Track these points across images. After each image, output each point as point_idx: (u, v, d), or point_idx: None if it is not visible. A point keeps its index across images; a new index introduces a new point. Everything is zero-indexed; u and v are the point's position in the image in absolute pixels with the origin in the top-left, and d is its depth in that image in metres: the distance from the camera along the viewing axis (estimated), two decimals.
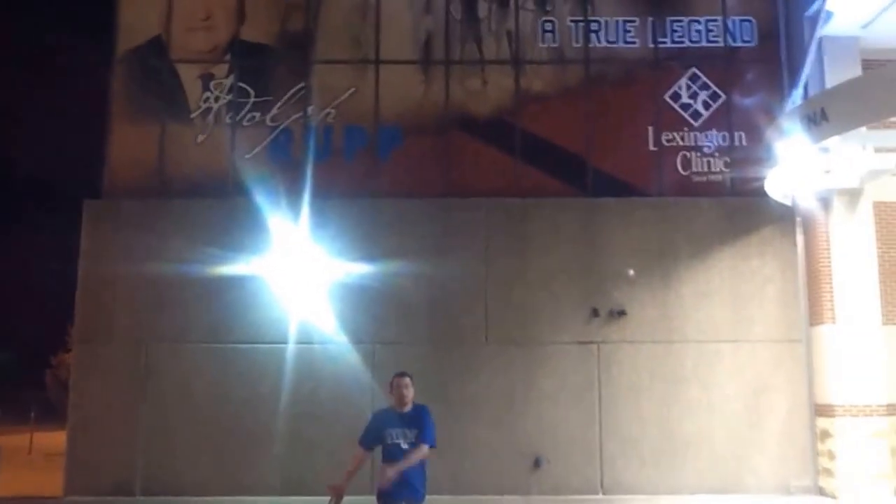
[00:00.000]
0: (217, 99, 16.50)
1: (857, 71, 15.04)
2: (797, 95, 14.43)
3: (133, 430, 15.24)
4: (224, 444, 15.16)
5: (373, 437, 7.92)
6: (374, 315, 15.40)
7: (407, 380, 8.00)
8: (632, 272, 15.41)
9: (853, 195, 14.83)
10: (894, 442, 14.38)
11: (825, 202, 15.01)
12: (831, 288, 14.77)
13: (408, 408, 7.92)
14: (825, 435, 14.66)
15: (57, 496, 15.14)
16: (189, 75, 16.62)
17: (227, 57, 16.78)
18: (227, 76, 16.63)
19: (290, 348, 15.35)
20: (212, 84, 16.57)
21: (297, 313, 15.47)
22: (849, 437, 14.26)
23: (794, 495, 14.64)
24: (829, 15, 14.62)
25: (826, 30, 14.89)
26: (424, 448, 7.76)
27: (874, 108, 12.40)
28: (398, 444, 7.76)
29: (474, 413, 15.00)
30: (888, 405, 14.40)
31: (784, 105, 14.97)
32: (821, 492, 14.71)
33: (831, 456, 14.44)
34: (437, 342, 15.27)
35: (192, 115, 16.49)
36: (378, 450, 7.94)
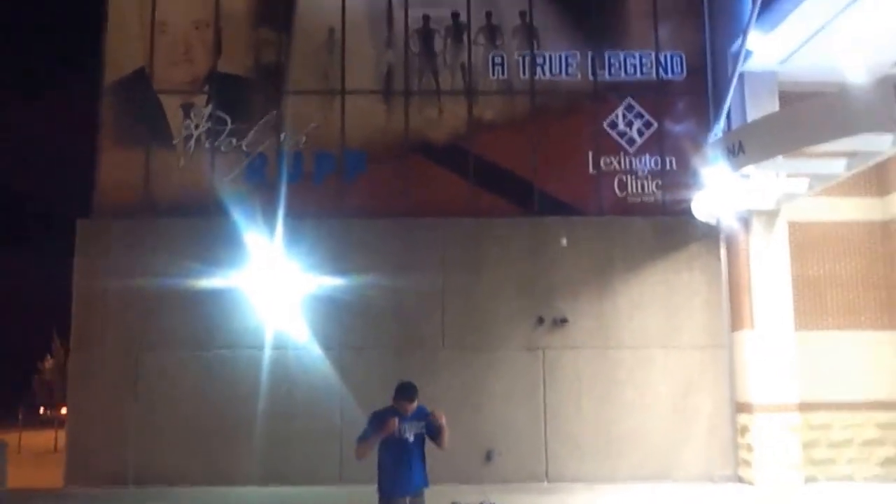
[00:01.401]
0: (197, 126, 17.71)
1: (774, 102, 16.55)
2: (719, 128, 15.88)
3: (125, 427, 16.43)
4: (208, 439, 16.39)
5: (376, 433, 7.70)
6: (343, 323, 16.70)
7: (414, 405, 7.77)
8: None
9: (770, 216, 16.36)
10: (806, 436, 15.97)
11: (745, 222, 16.51)
12: (751, 298, 16.28)
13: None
14: (744, 430, 16.26)
15: (57, 487, 16.36)
16: (171, 104, 17.83)
17: (206, 88, 17.99)
18: (206, 105, 17.85)
19: (267, 354, 16.57)
20: (192, 112, 17.76)
21: (273, 322, 16.71)
22: (765, 431, 15.81)
23: (717, 483, 16.19)
24: (749, 53, 16.01)
25: (747, 65, 16.28)
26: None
27: (783, 142, 13.89)
28: (406, 439, 7.66)
29: None
30: (800, 403, 15.96)
31: (710, 133, 16.39)
32: (741, 480, 16.30)
33: (750, 448, 16.03)
34: (399, 348, 16.57)
35: (175, 141, 17.69)
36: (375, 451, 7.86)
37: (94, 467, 16.38)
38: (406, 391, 7.83)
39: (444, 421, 7.74)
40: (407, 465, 7.74)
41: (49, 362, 27.65)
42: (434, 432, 7.83)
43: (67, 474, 16.50)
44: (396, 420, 7.62)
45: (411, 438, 7.73)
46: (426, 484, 7.87)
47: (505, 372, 16.76)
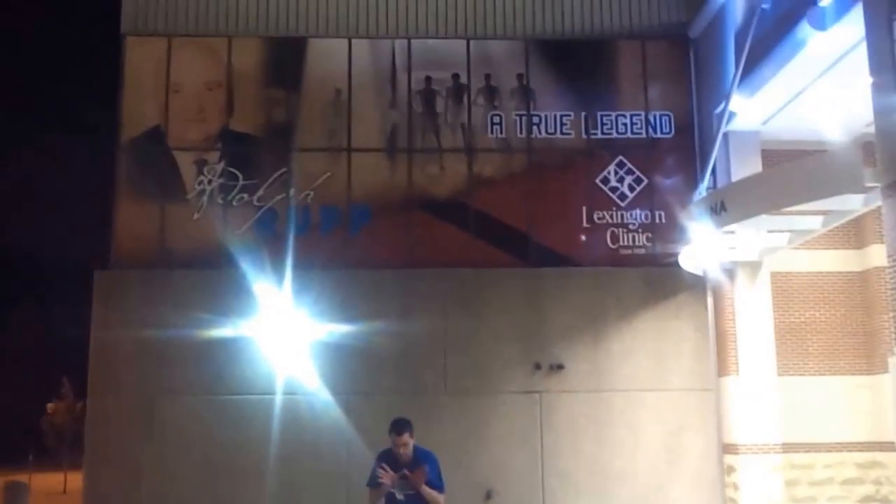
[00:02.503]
0: (210, 182, 19.19)
1: (757, 160, 18.17)
2: (704, 185, 17.54)
3: (140, 470, 17.70)
4: (219, 481, 17.68)
5: (377, 480, 7.93)
6: (349, 369, 18.12)
7: (405, 437, 7.99)
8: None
9: (754, 267, 17.98)
10: (788, 475, 17.53)
11: (730, 273, 18.16)
12: (736, 345, 17.90)
13: (408, 456, 8.05)
14: (731, 469, 17.84)
15: None
16: (185, 161, 19.32)
17: (219, 145, 19.51)
18: (218, 162, 19.35)
19: (277, 399, 17.92)
20: (205, 169, 19.25)
21: (282, 369, 18.07)
22: (750, 471, 17.35)
23: None
24: (733, 114, 17.62)
25: (731, 126, 17.89)
26: (440, 497, 7.94)
27: (762, 202, 15.41)
28: (393, 495, 7.81)
29: (436, 453, 17.72)
30: (783, 444, 17.51)
31: (696, 189, 18.04)
32: None
33: (736, 487, 17.61)
34: (403, 392, 17.84)
35: (188, 196, 19.14)
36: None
37: None
38: (395, 425, 8.09)
39: (422, 484, 7.80)
40: None
41: (59, 406, 28.99)
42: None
43: None
44: (391, 478, 7.76)
45: (400, 498, 7.84)
46: None
47: (504, 415, 18.26)
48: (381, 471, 7.82)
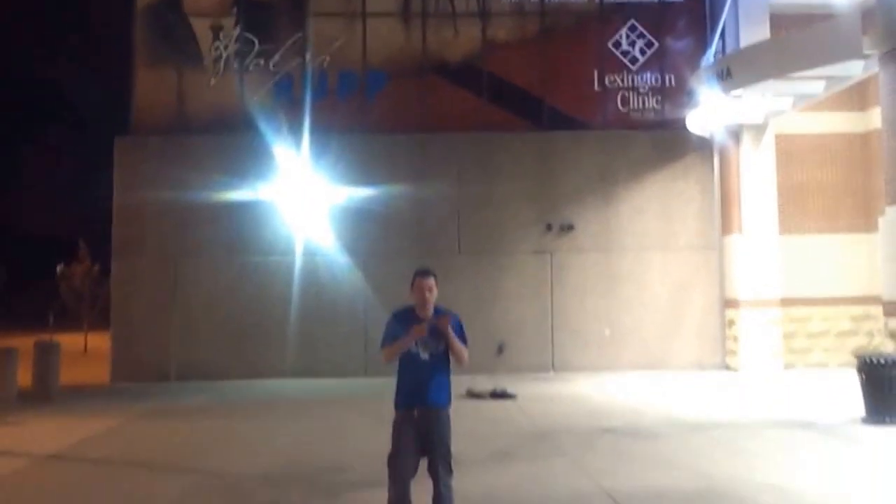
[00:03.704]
0: (226, 47, 21.26)
1: (765, 25, 20.28)
2: (712, 52, 19.64)
3: (166, 328, 20.25)
4: (241, 338, 20.26)
5: (394, 340, 7.56)
6: (366, 231, 20.53)
7: (431, 280, 7.60)
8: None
9: (759, 129, 20.33)
10: (786, 328, 20.30)
11: (736, 134, 20.52)
12: (740, 205, 20.41)
13: (429, 313, 7.55)
14: (731, 323, 20.60)
15: (105, 383, 20.02)
16: (201, 27, 21.33)
17: (234, 10, 21.43)
18: (234, 27, 21.32)
19: (296, 260, 20.30)
20: (221, 34, 21.28)
21: (302, 231, 20.45)
22: (749, 324, 20.12)
23: (706, 370, 20.49)
24: None
25: None
26: (464, 350, 7.54)
27: (764, 69, 17.79)
28: (417, 354, 7.51)
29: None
30: (782, 299, 20.24)
31: (706, 52, 20.15)
32: (727, 368, 20.68)
33: (736, 339, 20.37)
34: (418, 253, 19.91)
35: (205, 62, 21.23)
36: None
37: (138, 365, 20.14)
38: (422, 270, 7.78)
39: (449, 330, 7.52)
40: (419, 381, 7.58)
41: (77, 269, 31.29)
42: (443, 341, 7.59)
43: (114, 372, 20.25)
44: (424, 326, 7.47)
45: (425, 356, 7.56)
46: (444, 402, 7.67)
47: (516, 274, 20.86)
48: (415, 325, 7.48)
